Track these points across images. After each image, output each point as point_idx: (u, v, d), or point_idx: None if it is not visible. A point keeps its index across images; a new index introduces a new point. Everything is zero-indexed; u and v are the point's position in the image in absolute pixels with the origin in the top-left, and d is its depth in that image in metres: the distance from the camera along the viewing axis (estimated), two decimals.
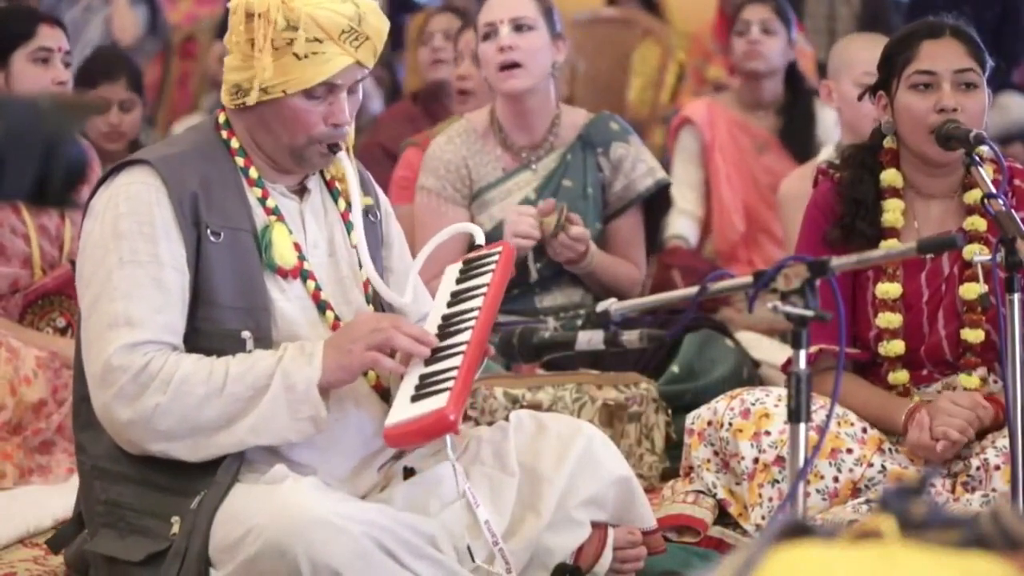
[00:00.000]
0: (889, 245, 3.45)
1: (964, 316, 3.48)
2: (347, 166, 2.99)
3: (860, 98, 3.73)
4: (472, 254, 3.11)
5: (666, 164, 5.56)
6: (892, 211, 3.51)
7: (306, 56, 2.85)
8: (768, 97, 5.57)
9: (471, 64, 4.94)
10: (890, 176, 3.53)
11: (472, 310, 2.92)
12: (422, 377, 2.80)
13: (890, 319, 3.48)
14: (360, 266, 3.02)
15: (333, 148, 2.94)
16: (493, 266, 3.02)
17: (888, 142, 3.55)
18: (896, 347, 3.49)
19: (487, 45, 4.26)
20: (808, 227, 3.57)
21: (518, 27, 4.24)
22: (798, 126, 5.53)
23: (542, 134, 4.34)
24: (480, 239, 3.13)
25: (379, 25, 2.91)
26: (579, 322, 4.25)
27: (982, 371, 3.50)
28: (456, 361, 2.80)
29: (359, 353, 2.80)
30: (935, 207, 3.55)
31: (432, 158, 4.34)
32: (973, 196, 3.46)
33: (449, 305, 2.97)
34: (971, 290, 3.43)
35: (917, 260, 3.48)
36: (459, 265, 3.10)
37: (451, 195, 4.29)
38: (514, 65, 4.22)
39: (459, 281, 3.03)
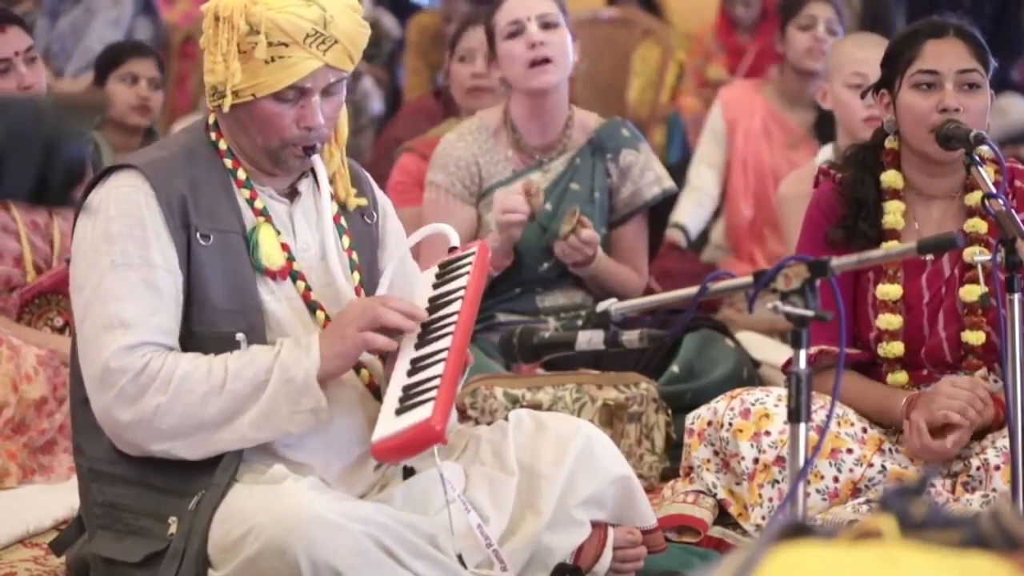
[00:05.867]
0: (890, 246, 3.44)
1: (965, 318, 3.48)
2: (320, 169, 3.00)
3: (863, 96, 3.73)
4: (448, 257, 3.09)
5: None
6: (893, 212, 3.50)
7: (272, 60, 2.84)
8: (809, 93, 5.55)
9: (484, 62, 4.94)
10: (891, 177, 3.53)
11: (451, 315, 2.90)
12: (405, 388, 2.79)
13: (890, 320, 3.48)
14: (352, 269, 3.02)
15: (308, 151, 2.93)
16: (469, 267, 3.00)
17: (889, 142, 3.54)
18: (895, 348, 3.49)
19: (513, 43, 4.23)
20: (809, 227, 3.57)
21: (546, 24, 4.24)
22: (832, 123, 5.53)
23: (556, 135, 4.34)
24: (455, 241, 3.12)
25: (350, 27, 2.88)
26: (579, 322, 4.25)
27: (982, 372, 3.50)
28: (438, 370, 2.78)
29: (352, 336, 2.81)
30: (936, 208, 3.55)
31: (443, 154, 4.33)
32: (974, 198, 3.46)
33: (428, 311, 2.96)
34: (972, 292, 3.43)
35: (918, 262, 3.48)
36: (435, 269, 3.07)
37: (460, 192, 4.29)
38: (546, 61, 4.22)
39: (436, 286, 3.01)
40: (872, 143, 3.59)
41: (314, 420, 2.83)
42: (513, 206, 4.10)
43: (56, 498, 3.72)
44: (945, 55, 3.43)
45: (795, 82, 5.57)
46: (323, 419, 2.83)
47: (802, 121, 5.56)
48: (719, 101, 5.78)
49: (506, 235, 4.13)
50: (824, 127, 5.43)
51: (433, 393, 2.73)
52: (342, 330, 2.83)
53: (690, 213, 5.63)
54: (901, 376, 3.51)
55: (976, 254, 3.41)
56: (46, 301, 4.14)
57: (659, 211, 4.43)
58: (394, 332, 2.87)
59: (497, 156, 4.32)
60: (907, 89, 3.46)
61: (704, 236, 5.81)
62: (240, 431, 2.81)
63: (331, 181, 3.06)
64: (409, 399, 2.76)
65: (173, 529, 2.81)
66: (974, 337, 3.47)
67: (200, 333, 2.87)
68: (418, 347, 2.86)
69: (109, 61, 5.39)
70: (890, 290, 3.49)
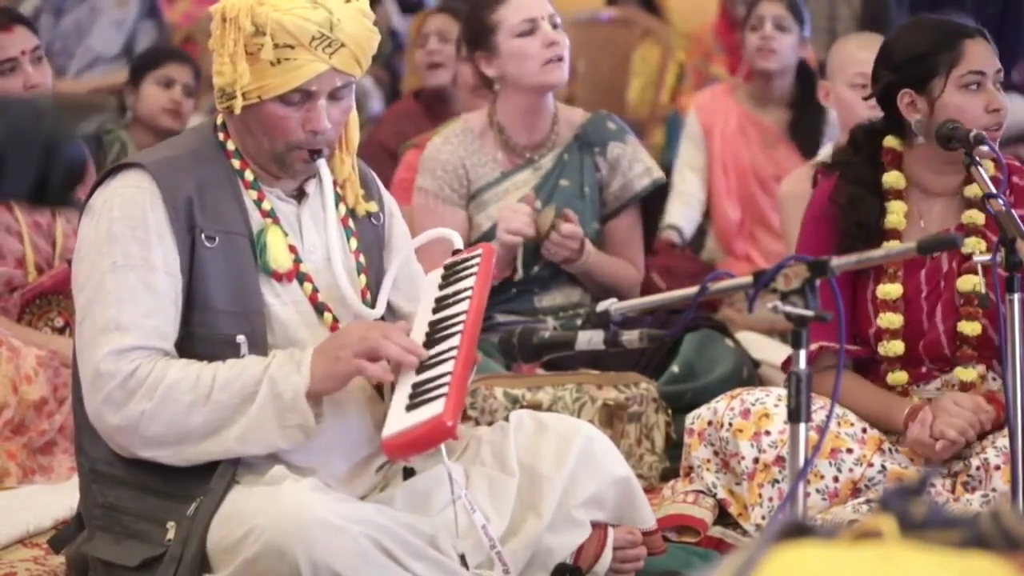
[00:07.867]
0: (891, 246, 3.44)
1: (961, 309, 3.48)
2: (325, 173, 2.99)
3: (867, 99, 3.65)
4: (452, 259, 3.09)
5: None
6: (895, 213, 3.50)
7: (278, 62, 2.83)
8: (778, 93, 5.56)
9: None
10: (893, 178, 3.51)
11: (459, 314, 2.90)
12: (415, 385, 2.78)
13: (891, 319, 3.48)
14: (359, 271, 3.02)
15: (314, 155, 2.92)
16: (475, 269, 3.00)
17: (889, 142, 3.52)
18: (896, 347, 3.49)
19: (527, 40, 4.21)
20: (810, 227, 3.56)
21: (554, 25, 4.26)
22: (807, 122, 5.52)
23: (544, 133, 4.34)
24: (459, 244, 3.12)
25: (357, 31, 2.87)
26: (579, 322, 4.24)
27: (981, 368, 3.50)
28: (448, 367, 2.78)
29: (347, 360, 2.79)
30: (938, 204, 3.54)
31: (429, 159, 4.33)
32: (973, 191, 3.45)
33: (434, 311, 2.95)
34: (968, 282, 3.43)
35: (917, 258, 3.47)
36: (440, 271, 3.07)
37: (448, 196, 4.28)
38: (559, 59, 4.24)
39: (442, 287, 3.01)
40: (866, 149, 3.54)
41: (303, 436, 2.81)
42: (518, 228, 4.11)
43: (56, 498, 3.72)
44: (984, 55, 3.43)
45: (760, 82, 5.60)
46: (312, 436, 2.81)
47: (776, 120, 5.58)
48: (693, 107, 5.82)
49: (508, 248, 4.14)
50: (798, 127, 5.46)
51: (444, 390, 2.73)
52: (337, 351, 2.80)
53: (682, 215, 5.64)
54: (901, 376, 3.51)
55: (977, 252, 3.41)
56: (47, 302, 4.14)
57: (650, 203, 4.42)
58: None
59: (484, 158, 4.31)
60: (954, 90, 3.40)
61: (702, 234, 5.81)
62: (226, 444, 2.80)
63: (342, 187, 3.05)
64: (419, 396, 2.75)
65: (171, 534, 2.81)
66: (970, 328, 3.46)
67: (200, 335, 2.86)
68: (427, 346, 2.86)
69: (147, 62, 5.43)
70: (891, 289, 3.49)
